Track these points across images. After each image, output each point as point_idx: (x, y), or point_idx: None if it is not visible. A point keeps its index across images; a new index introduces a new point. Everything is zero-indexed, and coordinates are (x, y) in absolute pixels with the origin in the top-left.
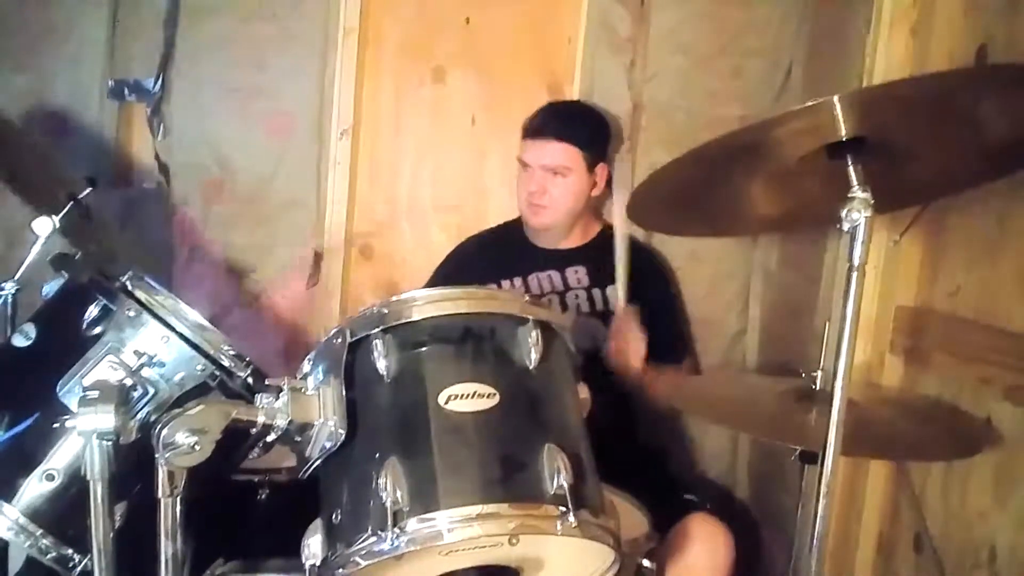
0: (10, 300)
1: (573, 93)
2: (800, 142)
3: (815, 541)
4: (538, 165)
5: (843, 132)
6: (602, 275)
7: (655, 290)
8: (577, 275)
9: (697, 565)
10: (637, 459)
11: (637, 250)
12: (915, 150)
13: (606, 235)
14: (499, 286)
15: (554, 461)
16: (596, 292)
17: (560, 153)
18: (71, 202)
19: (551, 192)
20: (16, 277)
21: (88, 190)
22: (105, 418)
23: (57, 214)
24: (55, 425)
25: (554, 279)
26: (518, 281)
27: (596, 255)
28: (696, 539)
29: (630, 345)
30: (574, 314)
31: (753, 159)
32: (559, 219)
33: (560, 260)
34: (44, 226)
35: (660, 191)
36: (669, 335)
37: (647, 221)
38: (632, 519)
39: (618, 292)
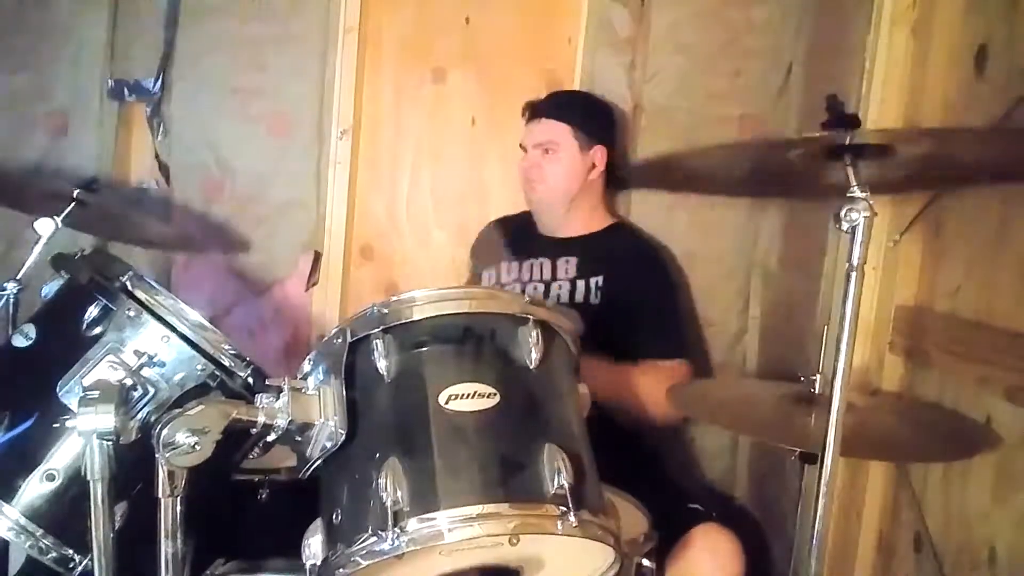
0: (12, 300)
1: None
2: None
3: (815, 541)
4: (531, 144)
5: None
6: (590, 265)
7: (649, 279)
8: (567, 265)
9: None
10: (639, 465)
11: (641, 240)
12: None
13: (614, 230)
14: (498, 268)
15: (554, 461)
16: (580, 283)
17: (549, 130)
18: (73, 203)
19: (544, 169)
20: (18, 277)
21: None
22: (105, 418)
23: (59, 215)
24: (55, 425)
25: (544, 268)
26: (515, 265)
27: (593, 245)
28: (703, 550)
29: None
30: (552, 302)
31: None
32: (555, 198)
33: (555, 248)
34: (46, 227)
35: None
36: (659, 328)
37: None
38: (632, 519)
39: None
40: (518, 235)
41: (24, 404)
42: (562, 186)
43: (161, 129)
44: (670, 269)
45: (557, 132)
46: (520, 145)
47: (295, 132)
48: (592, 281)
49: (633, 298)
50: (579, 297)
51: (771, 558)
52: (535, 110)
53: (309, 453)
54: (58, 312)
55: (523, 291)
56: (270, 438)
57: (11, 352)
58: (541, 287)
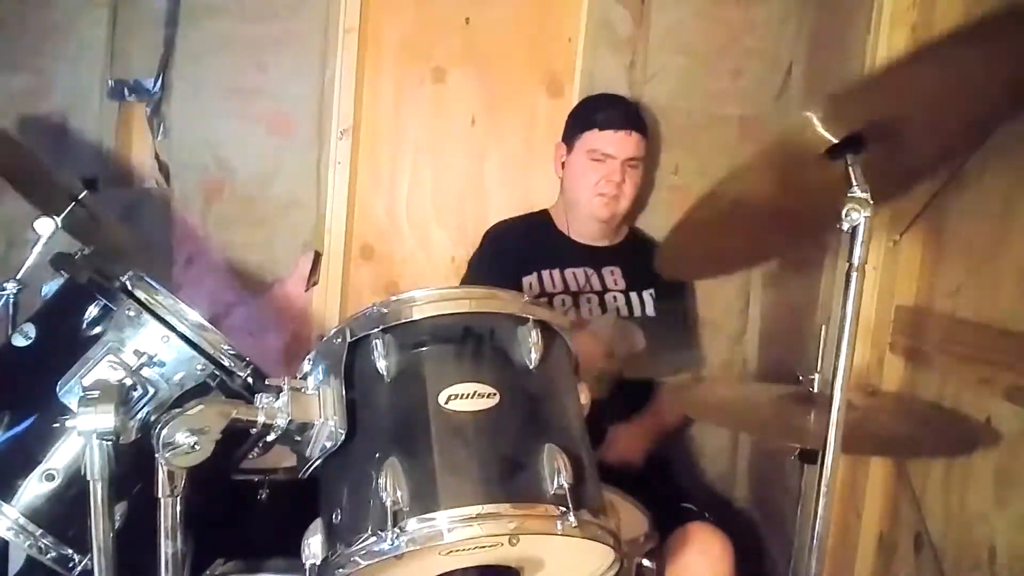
0: (11, 300)
1: (573, 93)
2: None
3: (815, 541)
4: (624, 157)
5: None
6: (637, 279)
7: (683, 291)
8: (613, 276)
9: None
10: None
11: None
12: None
13: (636, 237)
14: (539, 277)
15: (554, 461)
16: (633, 296)
17: (640, 145)
18: (72, 202)
19: (627, 184)
20: (17, 277)
21: (88, 190)
22: (105, 418)
23: (59, 214)
24: (55, 425)
25: (591, 277)
26: (556, 273)
27: (629, 256)
28: (695, 549)
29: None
30: (614, 315)
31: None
32: (625, 211)
33: (595, 257)
34: (46, 226)
35: (686, 240)
36: (685, 342)
37: (685, 273)
38: (632, 519)
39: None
40: (546, 240)
41: (24, 404)
42: (633, 200)
43: (161, 129)
44: (692, 284)
45: (643, 147)
46: (596, 151)
47: (295, 132)
48: (645, 294)
49: (676, 311)
50: (636, 311)
51: (768, 559)
52: (622, 120)
53: (309, 453)
54: (58, 312)
55: (576, 304)
56: (270, 438)
57: (11, 352)
58: (595, 298)
